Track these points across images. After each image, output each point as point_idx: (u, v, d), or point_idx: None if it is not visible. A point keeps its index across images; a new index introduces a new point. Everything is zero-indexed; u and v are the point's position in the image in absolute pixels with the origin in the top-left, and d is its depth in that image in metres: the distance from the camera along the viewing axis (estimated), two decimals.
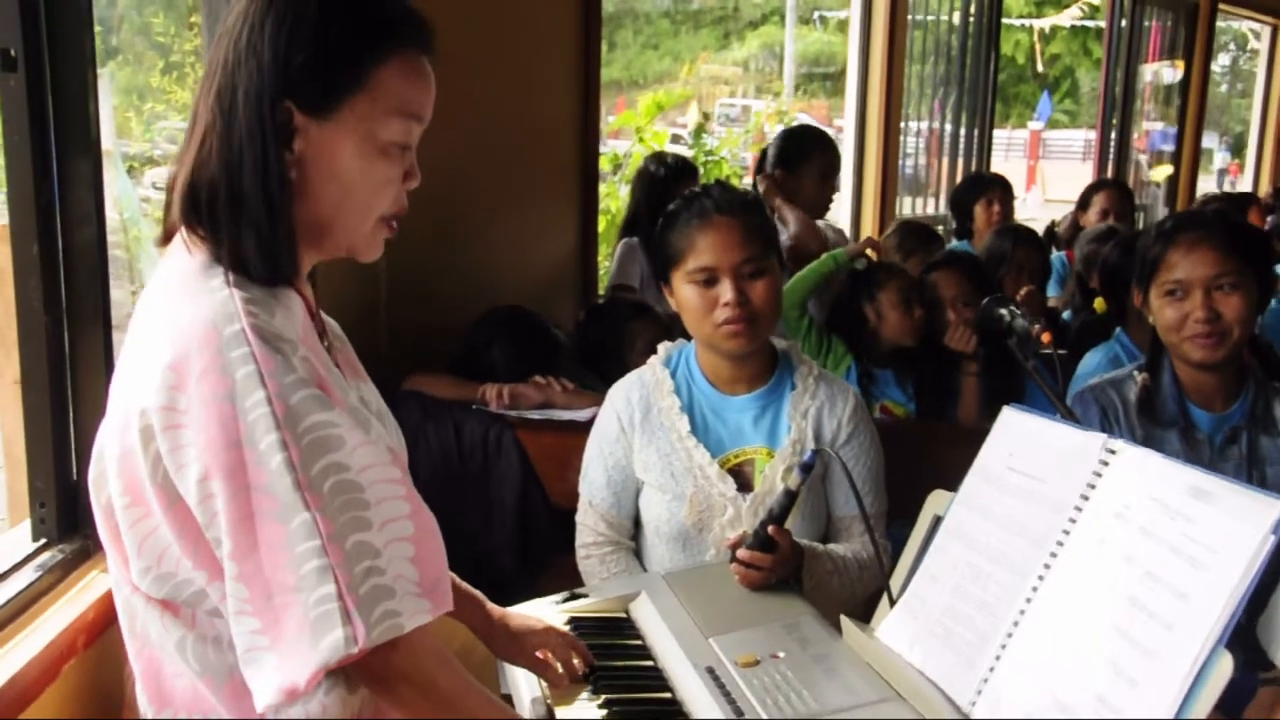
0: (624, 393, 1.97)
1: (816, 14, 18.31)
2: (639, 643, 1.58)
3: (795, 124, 4.42)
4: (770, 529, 1.67)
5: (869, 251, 3.23)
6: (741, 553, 1.67)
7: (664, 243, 1.91)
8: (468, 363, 2.62)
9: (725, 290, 1.83)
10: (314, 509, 1.06)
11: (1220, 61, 10.97)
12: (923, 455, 2.34)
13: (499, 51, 2.94)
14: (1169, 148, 7.45)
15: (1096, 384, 2.04)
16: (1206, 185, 8.09)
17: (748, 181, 3.95)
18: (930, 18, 5.22)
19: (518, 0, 3.03)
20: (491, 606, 1.55)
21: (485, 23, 2.85)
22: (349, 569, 1.07)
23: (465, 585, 1.53)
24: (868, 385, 2.79)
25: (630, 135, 5.16)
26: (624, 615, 1.66)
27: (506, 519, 2.45)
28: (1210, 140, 11.87)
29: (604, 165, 4.62)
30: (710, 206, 1.86)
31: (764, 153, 3.76)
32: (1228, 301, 1.87)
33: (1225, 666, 1.00)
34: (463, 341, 2.66)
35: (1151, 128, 7.42)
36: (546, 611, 1.63)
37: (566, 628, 1.58)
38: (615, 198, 4.54)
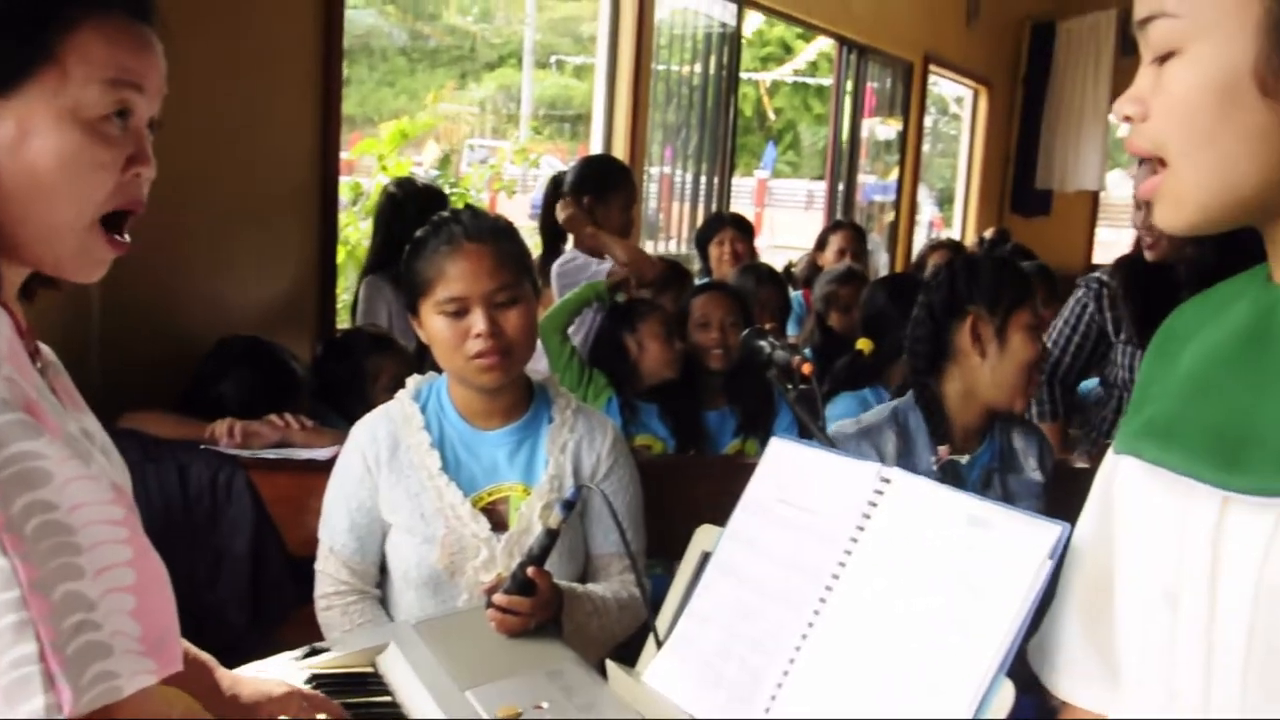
0: (369, 429, 1.84)
1: (554, 58, 18.55)
2: (388, 699, 1.46)
3: (594, 154, 4.37)
4: (530, 570, 1.58)
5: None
6: (498, 597, 1.57)
7: (411, 271, 1.81)
8: (195, 398, 2.41)
9: (477, 321, 1.74)
10: (13, 552, 0.89)
11: (924, 123, 11.86)
12: (681, 491, 2.32)
13: (234, 71, 2.79)
14: (880, 198, 7.93)
15: (847, 435, 2.04)
16: (918, 236, 8.66)
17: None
18: (674, 67, 5.34)
19: (255, 22, 2.88)
20: (222, 673, 1.38)
21: (219, 44, 2.70)
22: (55, 624, 0.90)
23: (191, 648, 1.36)
24: (629, 418, 2.77)
25: (369, 169, 5.00)
26: (370, 669, 1.54)
27: (237, 569, 2.25)
28: (920, 194, 12.79)
29: (346, 194, 4.45)
30: (460, 233, 1.77)
31: (557, 181, 3.67)
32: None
33: (1007, 694, 0.99)
34: (190, 375, 2.45)
35: (866, 180, 7.87)
36: (284, 669, 1.49)
37: (308, 686, 1.44)
38: (356, 228, 4.38)
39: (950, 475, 1.94)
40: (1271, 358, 0.82)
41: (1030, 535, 1.03)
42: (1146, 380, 0.95)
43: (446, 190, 4.55)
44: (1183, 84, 0.79)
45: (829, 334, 3.75)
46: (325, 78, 3.13)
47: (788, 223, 16.13)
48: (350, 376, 2.68)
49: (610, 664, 1.40)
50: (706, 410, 2.90)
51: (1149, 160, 0.84)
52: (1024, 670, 1.02)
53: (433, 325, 1.78)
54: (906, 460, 1.96)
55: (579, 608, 1.72)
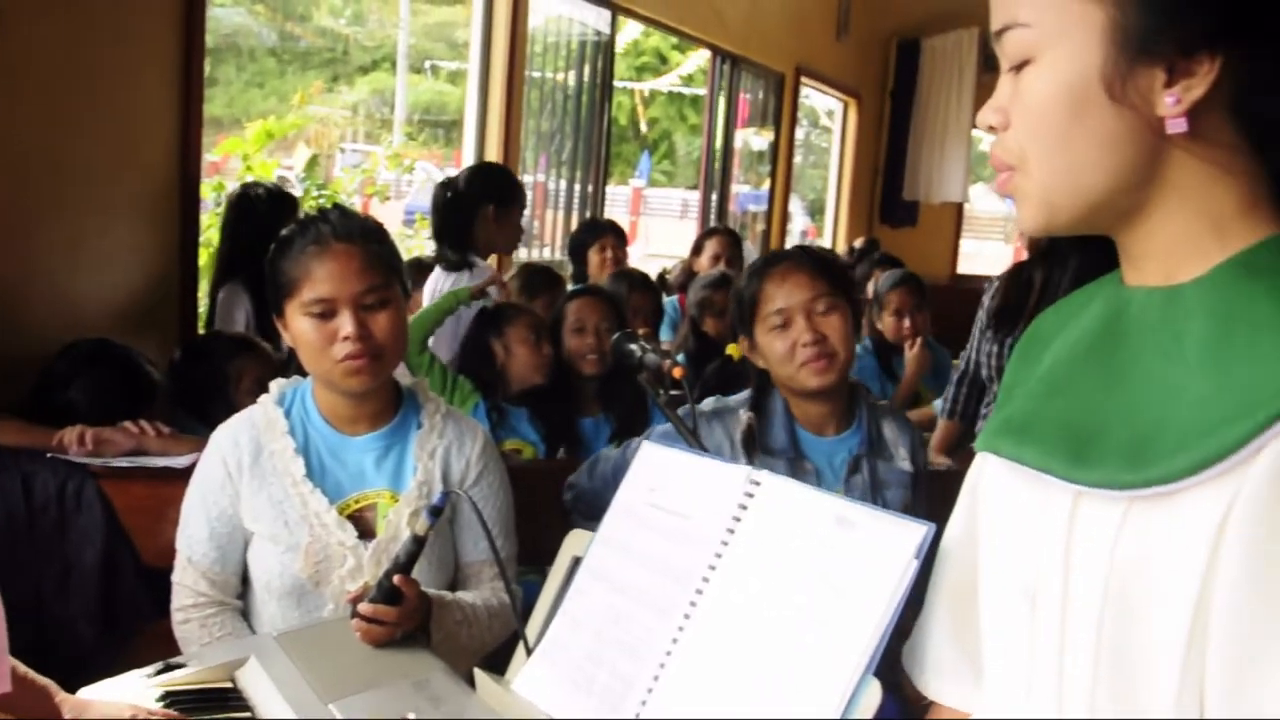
0: (231, 435, 1.78)
1: (428, 63, 18.34)
2: (247, 715, 1.41)
3: (489, 163, 4.31)
4: (396, 579, 1.54)
5: (493, 290, 3.19)
6: (363, 607, 1.53)
7: (276, 271, 1.75)
8: (41, 404, 2.30)
9: (345, 323, 1.70)
10: None
11: (796, 134, 12.09)
12: (554, 496, 2.30)
13: (87, 65, 2.69)
14: (754, 208, 8.04)
15: (700, 413, 2.04)
16: (791, 244, 8.85)
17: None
18: (548, 74, 5.32)
19: (112, 18, 2.78)
20: (63, 697, 1.31)
21: (75, 41, 2.61)
22: None
23: (29, 672, 1.29)
24: (497, 423, 2.74)
25: (237, 170, 4.85)
26: (229, 685, 1.48)
27: (86, 582, 2.15)
28: (792, 204, 13.01)
29: (208, 195, 4.31)
30: (328, 232, 1.71)
31: (446, 185, 3.61)
32: (828, 322, 1.97)
33: (874, 694, 1.00)
34: (36, 380, 2.34)
35: (741, 190, 7.98)
36: (135, 688, 1.42)
37: (160, 705, 1.38)
38: (216, 228, 4.26)
39: (798, 463, 1.97)
40: (1120, 356, 0.84)
41: (896, 535, 1.04)
42: (1010, 382, 0.98)
43: (315, 194, 4.46)
44: (1037, 91, 0.81)
45: (703, 339, 3.78)
46: (186, 75, 3.04)
47: (663, 231, 16.25)
48: (210, 380, 2.59)
49: (478, 672, 1.38)
50: (582, 416, 2.89)
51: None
52: (889, 670, 1.03)
53: (298, 327, 1.73)
54: (762, 438, 1.98)
55: (448, 616, 1.69)
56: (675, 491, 1.31)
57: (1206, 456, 0.72)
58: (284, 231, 1.77)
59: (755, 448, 1.96)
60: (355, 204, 8.95)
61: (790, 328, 1.97)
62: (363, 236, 1.74)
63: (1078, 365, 0.88)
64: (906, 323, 3.92)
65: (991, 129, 0.86)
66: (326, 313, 1.70)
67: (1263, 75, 0.77)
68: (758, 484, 1.21)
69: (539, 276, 3.70)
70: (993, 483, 0.94)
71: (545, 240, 5.65)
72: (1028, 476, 0.87)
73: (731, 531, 1.21)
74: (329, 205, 1.88)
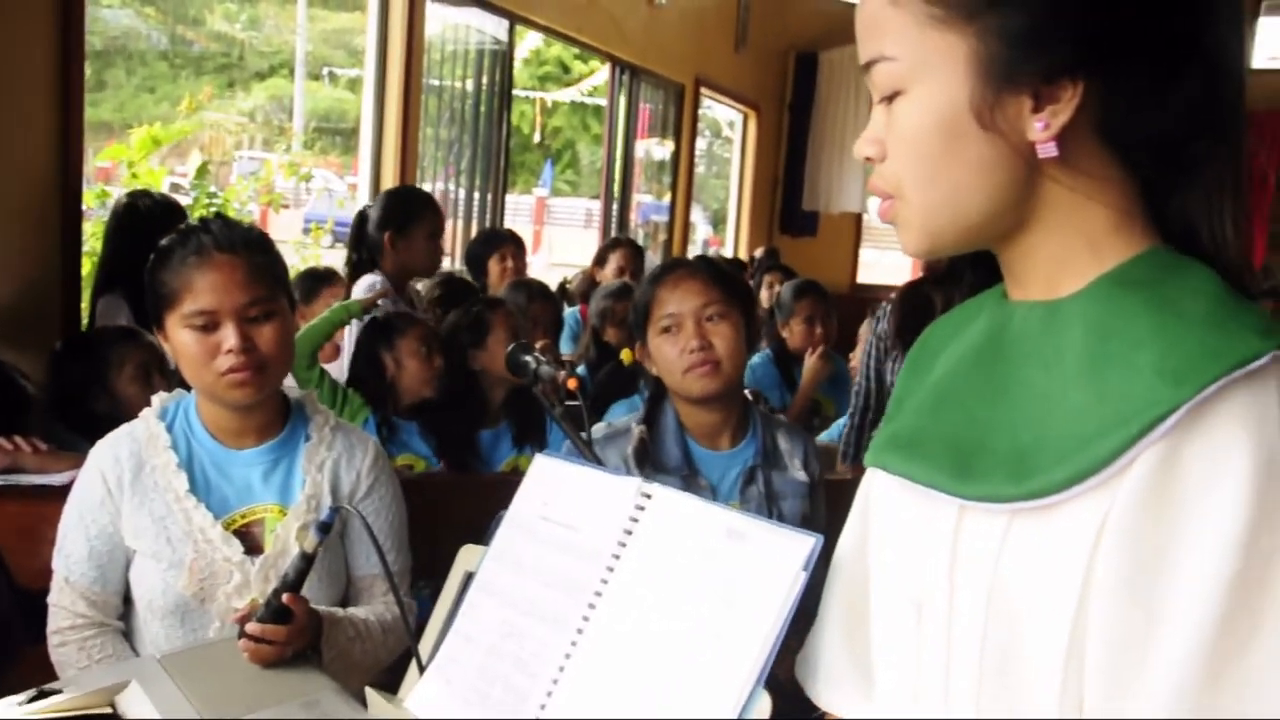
0: (110, 450, 1.72)
1: (326, 70, 18.08)
2: None
3: (396, 188, 4.23)
4: (284, 597, 1.51)
5: (383, 302, 3.15)
6: (251, 626, 1.48)
7: (156, 282, 1.70)
8: None
9: (228, 336, 1.66)
10: None
11: (698, 145, 12.20)
12: (451, 510, 2.27)
13: None
14: (658, 218, 8.08)
15: (600, 439, 2.04)
16: (694, 254, 8.91)
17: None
18: (445, 82, 5.28)
19: None
20: None
21: None
22: None
23: None
24: (388, 437, 2.70)
25: (122, 176, 4.71)
26: (109, 711, 1.42)
27: None
28: (695, 214, 13.13)
29: (92, 202, 4.17)
30: (209, 243, 1.67)
31: (363, 216, 3.56)
32: (717, 330, 1.98)
33: (764, 706, 1.00)
34: None
35: (643, 200, 8.01)
36: (4, 717, 1.36)
37: None
38: (99, 239, 4.13)
39: (692, 478, 1.96)
40: (1003, 370, 0.86)
41: (784, 547, 1.04)
42: (900, 394, 0.99)
43: (206, 203, 4.35)
44: (910, 123, 0.82)
45: (605, 349, 3.78)
46: (65, 79, 2.94)
47: (566, 241, 16.25)
48: (93, 373, 2.50)
49: (370, 691, 1.35)
50: (485, 427, 2.86)
51: None
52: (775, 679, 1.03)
53: (180, 339, 1.68)
54: (655, 456, 1.98)
55: (340, 633, 1.65)
56: (567, 504, 1.30)
57: (1082, 469, 0.74)
58: (164, 242, 1.72)
59: (648, 465, 1.96)
60: (252, 213, 8.77)
61: (679, 333, 1.98)
62: (246, 247, 1.70)
63: (961, 379, 0.90)
64: (819, 330, 3.95)
65: (869, 159, 0.87)
66: (209, 325, 1.66)
67: (1124, 98, 0.79)
68: (649, 497, 1.21)
69: (448, 287, 3.68)
70: (882, 496, 0.95)
71: (448, 250, 5.60)
72: (915, 490, 0.88)
73: (623, 545, 1.20)
74: (213, 215, 1.83)
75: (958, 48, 0.79)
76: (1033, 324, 0.85)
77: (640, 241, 7.99)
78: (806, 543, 1.04)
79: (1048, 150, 0.79)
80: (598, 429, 2.07)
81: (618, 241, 4.83)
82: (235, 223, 1.75)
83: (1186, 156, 0.82)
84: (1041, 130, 0.78)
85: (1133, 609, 0.72)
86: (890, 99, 0.83)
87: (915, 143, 0.82)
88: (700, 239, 14.83)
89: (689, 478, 1.96)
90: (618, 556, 1.20)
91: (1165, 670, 0.70)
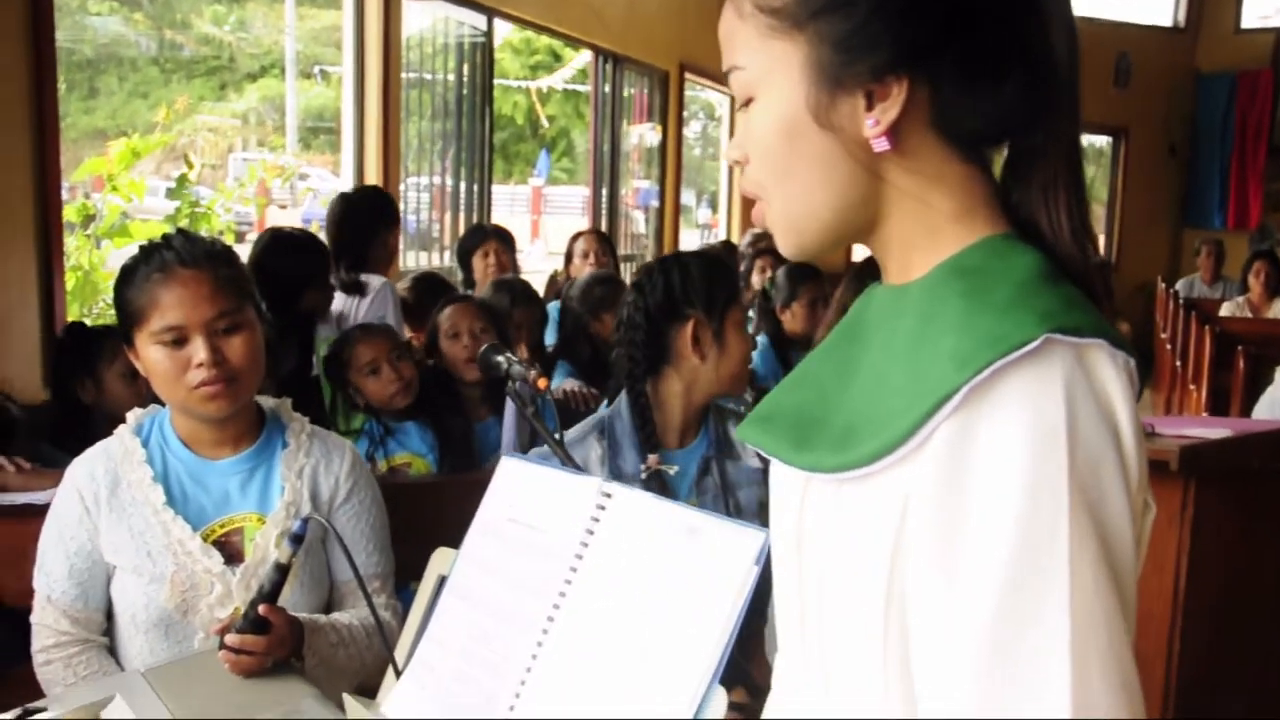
0: (86, 467, 1.74)
1: (317, 68, 18.04)
2: None
3: (352, 191, 4.22)
4: (262, 608, 1.52)
5: None
6: (230, 638, 1.50)
7: (123, 300, 1.71)
8: None
9: (198, 350, 1.67)
10: None
11: (693, 128, 12.14)
12: (443, 509, 2.27)
13: None
14: (656, 203, 8.08)
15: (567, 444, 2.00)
16: (691, 237, 8.89)
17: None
18: (426, 76, 5.27)
19: None
20: None
21: None
22: None
23: None
24: (385, 438, 2.71)
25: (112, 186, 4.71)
26: None
27: None
28: (689, 197, 13.09)
29: (74, 217, 4.17)
30: (173, 259, 1.68)
31: (345, 197, 3.59)
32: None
33: (720, 703, 1.01)
34: None
35: (641, 185, 8.01)
36: None
37: None
38: (86, 252, 4.11)
39: (656, 485, 1.93)
40: (855, 348, 0.91)
41: (736, 542, 1.05)
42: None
43: (189, 212, 4.34)
44: (760, 126, 0.88)
45: (593, 341, 3.76)
46: (39, 90, 2.93)
47: (565, 230, 16.17)
48: (83, 361, 2.54)
49: (347, 697, 1.36)
50: (473, 421, 2.87)
51: None
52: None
53: (150, 356, 1.69)
54: (613, 466, 1.95)
55: (321, 640, 1.67)
56: (531, 505, 1.31)
57: (887, 443, 0.78)
58: (127, 260, 1.73)
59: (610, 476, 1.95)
60: (250, 214, 8.76)
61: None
62: (209, 261, 1.70)
63: (822, 357, 0.96)
64: (824, 313, 3.93)
65: (736, 163, 0.93)
66: (178, 340, 1.67)
67: (950, 96, 0.84)
68: (609, 496, 1.22)
69: (425, 285, 3.69)
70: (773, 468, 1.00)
71: (441, 242, 5.61)
72: (775, 462, 0.95)
73: (585, 545, 1.21)
74: (206, 226, 1.84)
75: (793, 54, 0.85)
76: (884, 307, 0.91)
77: (640, 226, 8.00)
78: (758, 538, 1.05)
79: (881, 145, 0.84)
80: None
81: (580, 234, 4.80)
82: (198, 237, 1.76)
83: (1020, 151, 0.88)
84: (873, 127, 0.83)
85: (933, 575, 0.76)
86: (747, 105, 0.89)
87: (765, 145, 0.88)
88: (701, 222, 14.83)
89: (650, 482, 1.94)
90: (580, 557, 1.21)
91: (960, 634, 0.75)
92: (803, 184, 0.87)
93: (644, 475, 1.94)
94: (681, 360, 1.98)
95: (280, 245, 3.18)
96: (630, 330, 2.00)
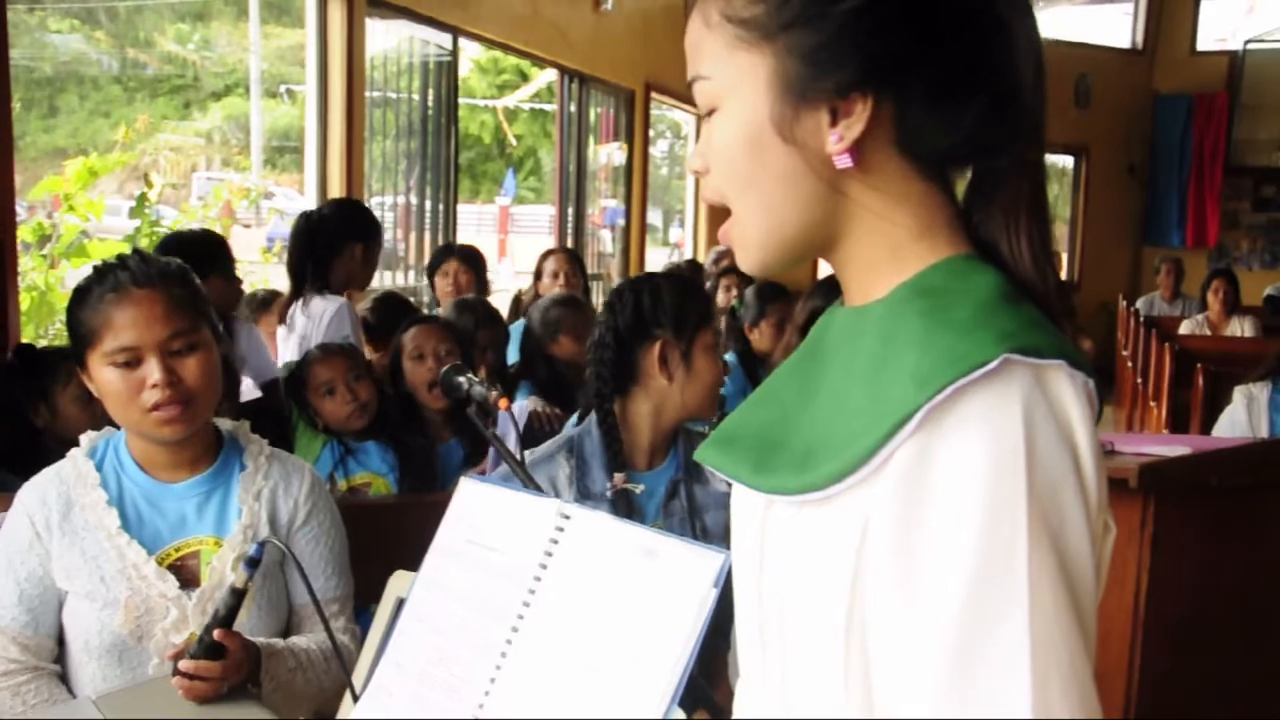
0: (37, 492, 1.70)
1: (283, 87, 17.97)
2: None
3: (347, 199, 4.19)
4: (216, 633, 1.50)
5: None
6: (184, 664, 1.47)
7: (75, 321, 1.69)
8: None
9: (152, 371, 1.64)
10: None
11: (660, 147, 12.18)
12: (405, 531, 2.25)
13: None
14: (623, 222, 8.09)
15: (531, 461, 1.99)
16: (659, 256, 8.90)
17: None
18: (391, 95, 5.26)
19: None
20: None
21: None
22: None
23: None
24: (345, 457, 2.69)
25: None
26: None
27: None
28: (656, 217, 13.11)
29: (29, 236, 4.11)
30: (126, 279, 1.66)
31: (309, 216, 3.51)
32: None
33: None
34: None
35: (607, 204, 8.02)
36: None
37: None
38: (41, 273, 4.05)
39: (623, 504, 1.92)
40: (815, 370, 0.90)
41: (695, 564, 1.04)
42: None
43: (149, 232, 4.30)
44: (723, 137, 0.87)
45: (552, 362, 3.74)
46: None
47: (532, 249, 16.15)
48: (35, 386, 2.49)
49: None
50: (435, 443, 2.85)
51: None
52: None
53: (103, 377, 1.66)
54: (581, 485, 1.94)
55: (279, 664, 1.64)
56: (490, 527, 1.30)
57: (847, 465, 0.78)
58: (81, 281, 1.70)
59: (582, 487, 1.93)
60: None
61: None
62: (164, 280, 1.68)
63: (783, 378, 0.95)
64: (793, 336, 3.93)
65: (696, 173, 0.92)
66: (131, 361, 1.65)
67: (914, 116, 0.83)
68: (568, 518, 1.21)
69: (388, 306, 3.66)
70: (734, 491, 1.00)
71: (407, 261, 5.60)
72: (735, 484, 0.94)
73: (544, 566, 1.20)
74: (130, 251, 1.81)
75: (760, 66, 0.84)
76: (846, 328, 0.89)
77: (607, 245, 8.00)
78: (716, 560, 1.04)
79: (843, 161, 0.83)
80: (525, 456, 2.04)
81: (549, 252, 4.79)
82: (153, 257, 1.74)
83: (984, 173, 0.87)
84: (836, 143, 0.82)
85: (893, 596, 0.76)
86: (710, 115, 0.88)
87: (728, 157, 0.87)
88: (673, 241, 14.86)
89: (615, 501, 1.93)
90: (539, 579, 1.20)
91: (920, 654, 0.74)
92: (764, 197, 0.86)
93: (610, 495, 1.92)
94: (649, 380, 1.96)
95: (176, 241, 3.29)
96: (599, 349, 1.99)
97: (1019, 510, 0.72)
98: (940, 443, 0.75)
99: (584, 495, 1.93)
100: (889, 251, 0.86)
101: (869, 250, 0.87)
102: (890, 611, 0.76)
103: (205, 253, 3.27)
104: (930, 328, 0.79)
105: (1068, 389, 0.76)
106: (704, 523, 1.96)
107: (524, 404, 3.17)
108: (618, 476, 1.91)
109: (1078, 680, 0.72)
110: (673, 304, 1.96)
